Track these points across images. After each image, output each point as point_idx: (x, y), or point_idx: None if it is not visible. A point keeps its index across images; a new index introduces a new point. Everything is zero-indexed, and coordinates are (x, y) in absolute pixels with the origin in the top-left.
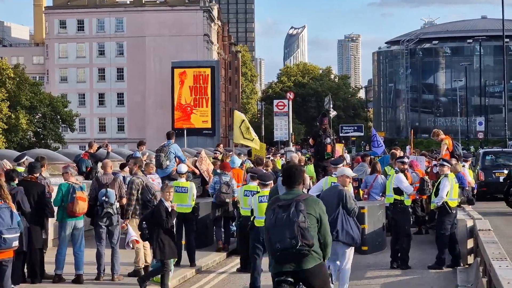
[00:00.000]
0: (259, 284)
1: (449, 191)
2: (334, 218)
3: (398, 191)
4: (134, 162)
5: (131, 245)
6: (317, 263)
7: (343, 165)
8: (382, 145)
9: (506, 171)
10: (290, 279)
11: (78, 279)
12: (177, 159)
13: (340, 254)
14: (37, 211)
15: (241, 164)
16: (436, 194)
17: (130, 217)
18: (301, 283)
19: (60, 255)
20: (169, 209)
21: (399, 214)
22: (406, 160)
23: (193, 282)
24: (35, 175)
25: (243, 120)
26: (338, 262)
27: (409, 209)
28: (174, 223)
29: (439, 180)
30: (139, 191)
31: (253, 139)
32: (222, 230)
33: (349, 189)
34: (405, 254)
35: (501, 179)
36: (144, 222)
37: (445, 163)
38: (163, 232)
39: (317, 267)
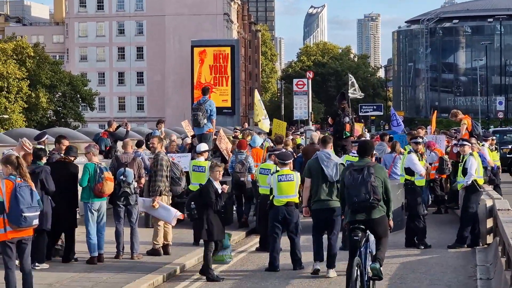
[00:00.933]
0: (278, 263)
1: (476, 169)
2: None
3: (409, 171)
4: (158, 140)
5: (174, 221)
6: (382, 214)
7: None
8: (401, 124)
9: (510, 146)
10: (362, 226)
11: (99, 258)
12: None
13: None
14: (71, 192)
15: (262, 144)
16: (464, 174)
17: (160, 194)
18: (368, 231)
19: (90, 238)
20: (219, 190)
21: (410, 194)
22: (420, 140)
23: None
24: (71, 157)
25: (259, 100)
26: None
27: (421, 189)
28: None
29: (464, 160)
30: (168, 168)
31: (260, 120)
32: (242, 208)
33: None
34: (421, 233)
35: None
36: (192, 202)
37: (465, 143)
38: (212, 213)
39: (381, 218)
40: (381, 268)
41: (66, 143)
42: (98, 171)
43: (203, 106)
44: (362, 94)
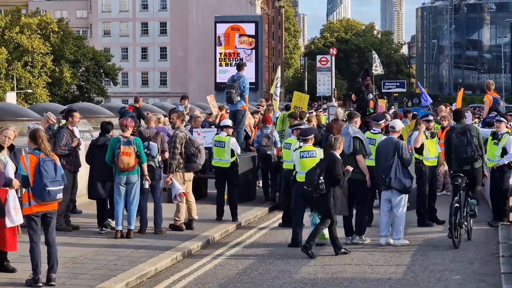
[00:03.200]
0: (301, 239)
1: None
2: (388, 166)
3: (418, 150)
4: (177, 115)
5: (178, 199)
6: (480, 165)
7: (384, 122)
8: (429, 100)
9: None
10: (463, 175)
11: (128, 234)
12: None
13: (394, 201)
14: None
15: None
16: (503, 153)
17: (174, 171)
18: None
19: (116, 211)
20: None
21: (417, 173)
22: (431, 118)
23: (234, 237)
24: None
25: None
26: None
27: (430, 169)
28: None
29: (501, 139)
30: (183, 145)
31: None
32: (269, 182)
33: None
34: (428, 213)
35: None
36: (321, 177)
37: (502, 119)
38: (337, 188)
39: (480, 167)
40: (475, 210)
41: (77, 116)
42: (117, 145)
43: (237, 83)
44: (383, 70)
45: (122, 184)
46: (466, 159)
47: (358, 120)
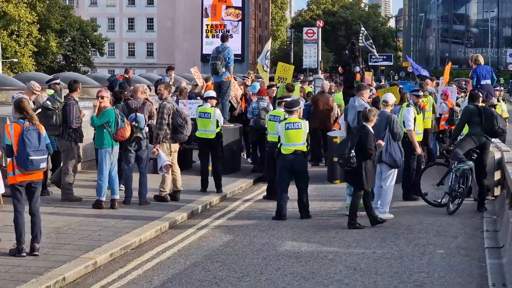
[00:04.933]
0: (285, 212)
1: None
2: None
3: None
4: (164, 86)
5: (164, 170)
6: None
7: (371, 94)
8: (422, 69)
9: None
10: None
11: (112, 204)
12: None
13: (384, 174)
14: None
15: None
16: None
17: (160, 141)
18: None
19: (102, 181)
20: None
21: (405, 147)
22: (420, 93)
23: (219, 208)
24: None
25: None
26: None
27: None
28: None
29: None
30: (170, 116)
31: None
32: (259, 154)
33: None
34: (412, 186)
35: None
36: (353, 150)
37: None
38: (369, 161)
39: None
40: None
41: (80, 87)
42: (119, 116)
43: (222, 55)
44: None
45: (112, 155)
46: (490, 133)
47: (365, 93)
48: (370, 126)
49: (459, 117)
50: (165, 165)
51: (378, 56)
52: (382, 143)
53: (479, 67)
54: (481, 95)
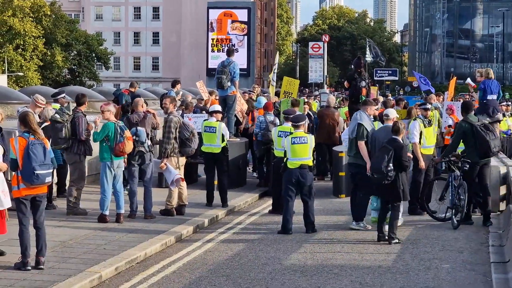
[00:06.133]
0: (291, 226)
1: None
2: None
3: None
4: (170, 100)
5: (175, 184)
6: None
7: (377, 108)
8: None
9: None
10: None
11: (118, 218)
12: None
13: None
14: None
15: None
16: None
17: (168, 156)
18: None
19: (105, 196)
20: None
21: (413, 160)
22: (428, 106)
23: (224, 222)
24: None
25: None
26: None
27: (427, 157)
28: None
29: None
30: (177, 129)
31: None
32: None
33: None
34: (417, 200)
35: None
36: (391, 164)
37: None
38: (404, 174)
39: None
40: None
41: (87, 100)
42: (119, 130)
43: (227, 69)
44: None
45: (114, 169)
46: (493, 154)
47: (369, 108)
48: (400, 138)
49: None
50: (177, 179)
51: (383, 60)
52: (411, 155)
53: (488, 81)
54: (474, 104)
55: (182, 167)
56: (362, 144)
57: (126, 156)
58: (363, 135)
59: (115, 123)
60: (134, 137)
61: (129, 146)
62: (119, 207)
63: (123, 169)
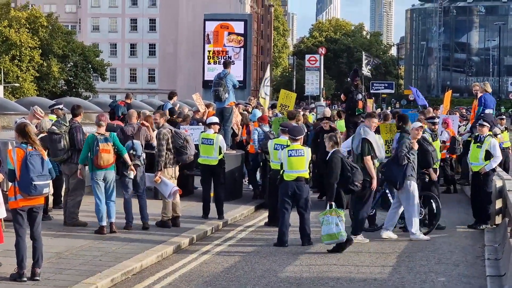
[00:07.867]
0: (287, 238)
1: None
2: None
3: None
4: (160, 115)
5: (172, 196)
6: None
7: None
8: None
9: None
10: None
11: (111, 227)
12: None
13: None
14: None
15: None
16: (486, 156)
17: (162, 168)
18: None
19: (98, 207)
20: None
21: None
22: (436, 120)
23: (220, 235)
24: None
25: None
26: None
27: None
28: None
29: (483, 141)
30: (169, 140)
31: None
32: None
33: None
34: None
35: None
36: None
37: (484, 123)
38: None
39: None
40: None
41: (82, 111)
42: (95, 143)
43: (224, 81)
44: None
45: (101, 181)
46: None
47: (373, 121)
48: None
49: (460, 145)
50: (174, 192)
51: (377, 62)
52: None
53: (487, 95)
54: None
55: (175, 179)
56: (368, 159)
57: (112, 167)
58: (368, 150)
59: (95, 135)
60: (131, 151)
61: (103, 159)
62: (109, 216)
63: (113, 180)
